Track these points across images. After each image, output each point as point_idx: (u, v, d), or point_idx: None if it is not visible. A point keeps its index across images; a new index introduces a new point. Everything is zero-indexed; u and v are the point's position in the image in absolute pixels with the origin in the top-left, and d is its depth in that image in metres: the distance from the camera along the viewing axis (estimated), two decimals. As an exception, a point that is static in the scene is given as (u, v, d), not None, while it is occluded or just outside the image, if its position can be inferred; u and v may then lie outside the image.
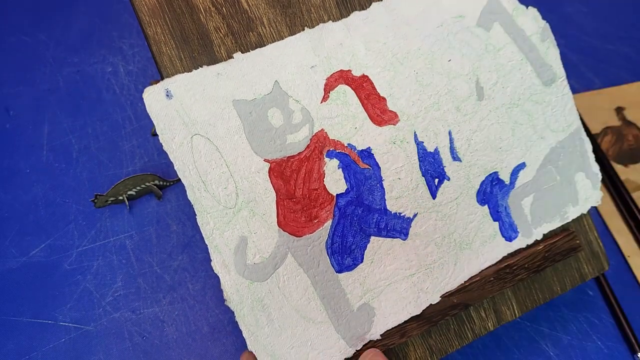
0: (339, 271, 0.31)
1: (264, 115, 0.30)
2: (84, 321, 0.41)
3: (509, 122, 0.35)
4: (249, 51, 0.31)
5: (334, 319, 0.31)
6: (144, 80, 0.54)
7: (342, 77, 0.32)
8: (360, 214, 0.31)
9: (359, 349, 0.31)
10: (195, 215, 0.29)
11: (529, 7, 0.36)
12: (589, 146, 0.37)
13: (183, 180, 0.29)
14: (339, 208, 0.31)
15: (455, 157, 0.34)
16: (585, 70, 0.59)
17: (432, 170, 0.33)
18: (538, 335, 0.42)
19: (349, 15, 0.33)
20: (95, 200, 0.45)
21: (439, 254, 0.33)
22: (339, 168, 0.31)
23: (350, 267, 0.31)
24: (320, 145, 0.31)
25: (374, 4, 0.33)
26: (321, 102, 0.31)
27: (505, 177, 0.35)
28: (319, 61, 0.32)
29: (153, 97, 0.29)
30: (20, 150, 0.49)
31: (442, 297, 0.33)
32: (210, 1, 0.31)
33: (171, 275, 0.43)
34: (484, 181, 0.34)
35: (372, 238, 0.32)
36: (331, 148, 0.31)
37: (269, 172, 0.30)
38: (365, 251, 0.31)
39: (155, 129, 0.29)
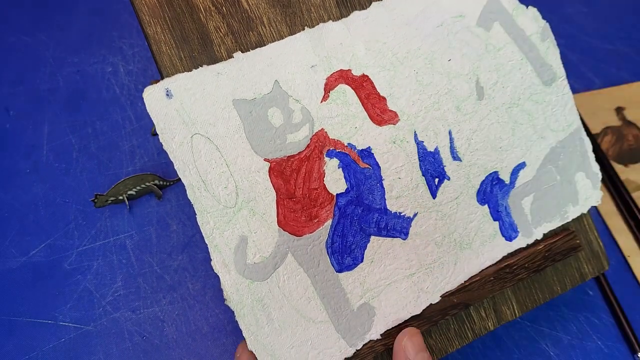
0: (339, 271, 0.31)
1: (264, 114, 0.30)
2: (84, 321, 0.41)
3: (509, 122, 0.35)
4: (249, 51, 0.31)
5: (334, 319, 0.31)
6: (144, 80, 0.54)
7: (342, 76, 0.32)
8: (360, 214, 0.31)
9: (359, 348, 0.31)
10: (195, 215, 0.29)
11: (529, 7, 0.36)
12: (589, 146, 0.37)
13: (183, 180, 0.29)
14: (339, 208, 0.31)
15: (455, 157, 0.34)
16: (585, 70, 0.59)
17: (432, 170, 0.33)
18: (538, 335, 0.42)
19: (349, 15, 0.33)
20: (95, 200, 0.45)
21: (439, 254, 0.33)
22: (339, 167, 0.31)
23: (350, 267, 0.31)
24: (320, 144, 0.31)
25: (374, 3, 0.33)
26: (321, 102, 0.31)
27: (505, 176, 0.35)
28: (319, 61, 0.32)
29: (153, 96, 0.29)
30: (20, 150, 0.49)
31: (442, 296, 0.33)
32: (210, 1, 0.31)
33: (171, 275, 0.43)
34: (484, 181, 0.34)
35: (372, 238, 0.32)
36: (331, 147, 0.31)
37: (269, 172, 0.30)
38: (365, 251, 0.31)
39: (155, 129, 0.29)
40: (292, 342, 0.30)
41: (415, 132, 0.33)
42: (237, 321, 0.29)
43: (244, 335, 0.29)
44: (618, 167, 0.51)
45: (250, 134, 0.30)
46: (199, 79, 0.30)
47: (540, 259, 0.35)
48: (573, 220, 0.37)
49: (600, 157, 0.51)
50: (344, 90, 0.32)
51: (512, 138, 0.35)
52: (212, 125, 0.29)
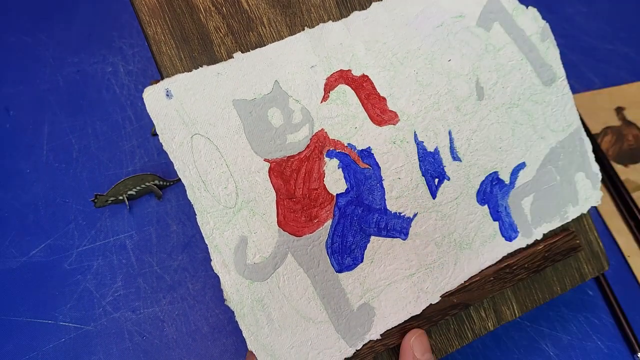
0: (339, 271, 0.31)
1: (264, 114, 0.30)
2: (84, 321, 0.41)
3: (509, 122, 0.35)
4: (249, 51, 0.31)
5: (334, 319, 0.31)
6: (144, 80, 0.54)
7: (342, 76, 0.32)
8: (360, 214, 0.31)
9: (358, 348, 0.31)
10: (195, 215, 0.29)
11: (529, 7, 0.36)
12: (589, 146, 0.37)
13: (183, 180, 0.29)
14: (339, 208, 0.31)
15: (455, 157, 0.34)
16: (585, 70, 0.59)
17: (432, 170, 0.33)
18: (538, 335, 0.42)
19: (349, 15, 0.33)
20: (95, 200, 0.45)
21: (439, 254, 0.33)
22: (339, 168, 0.31)
23: (350, 267, 0.31)
24: (320, 145, 0.31)
25: (374, 3, 0.33)
26: (321, 102, 0.31)
27: (505, 177, 0.35)
28: (319, 61, 0.32)
29: (153, 97, 0.29)
30: (20, 150, 0.49)
31: (442, 296, 0.33)
32: (210, 1, 0.31)
33: (171, 275, 0.43)
34: (484, 181, 0.34)
35: (372, 238, 0.32)
36: (331, 148, 0.31)
37: (269, 172, 0.30)
38: (365, 251, 0.31)
39: (155, 129, 0.29)
40: (292, 342, 0.30)
41: (415, 132, 0.33)
42: (237, 321, 0.29)
43: (244, 335, 0.29)
44: (618, 167, 0.51)
45: (250, 134, 0.30)
46: (199, 79, 0.30)
47: (540, 259, 0.35)
48: (573, 220, 0.37)
49: (600, 157, 0.51)
50: (344, 91, 0.32)
51: (512, 138, 0.35)
52: (212, 126, 0.29)
